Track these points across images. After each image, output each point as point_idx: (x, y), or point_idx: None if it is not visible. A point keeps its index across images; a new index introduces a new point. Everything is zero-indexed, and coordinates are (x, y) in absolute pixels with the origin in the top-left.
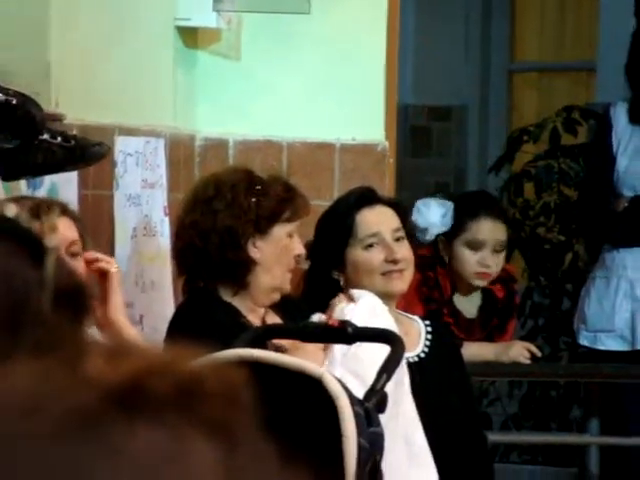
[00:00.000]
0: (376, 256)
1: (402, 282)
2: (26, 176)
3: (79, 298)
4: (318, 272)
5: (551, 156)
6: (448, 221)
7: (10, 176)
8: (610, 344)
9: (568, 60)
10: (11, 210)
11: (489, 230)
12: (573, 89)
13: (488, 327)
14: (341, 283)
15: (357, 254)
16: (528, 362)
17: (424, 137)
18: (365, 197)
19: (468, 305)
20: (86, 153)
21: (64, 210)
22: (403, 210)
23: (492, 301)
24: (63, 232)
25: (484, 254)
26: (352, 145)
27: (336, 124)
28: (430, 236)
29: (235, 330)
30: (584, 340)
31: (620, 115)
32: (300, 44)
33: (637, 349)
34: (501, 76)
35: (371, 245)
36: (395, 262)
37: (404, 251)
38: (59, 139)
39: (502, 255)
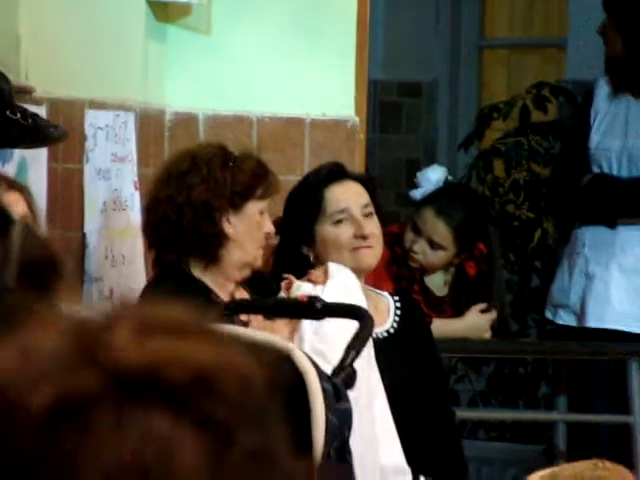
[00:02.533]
0: (345, 232)
1: (371, 258)
2: None
3: (49, 268)
4: (287, 247)
5: (521, 133)
6: (439, 185)
7: None
8: (566, 319)
9: (538, 37)
10: None
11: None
12: (543, 66)
13: (458, 304)
14: (311, 259)
15: (326, 230)
16: (489, 335)
17: (394, 113)
18: (334, 173)
19: (439, 282)
20: (41, 134)
21: (11, 184)
22: (372, 186)
23: (463, 278)
24: (12, 207)
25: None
26: (322, 120)
27: (306, 99)
28: (420, 195)
29: (203, 306)
30: (548, 314)
31: (600, 91)
32: (270, 19)
33: (584, 326)
34: (471, 52)
35: (340, 221)
36: (364, 237)
37: (373, 227)
38: (18, 115)
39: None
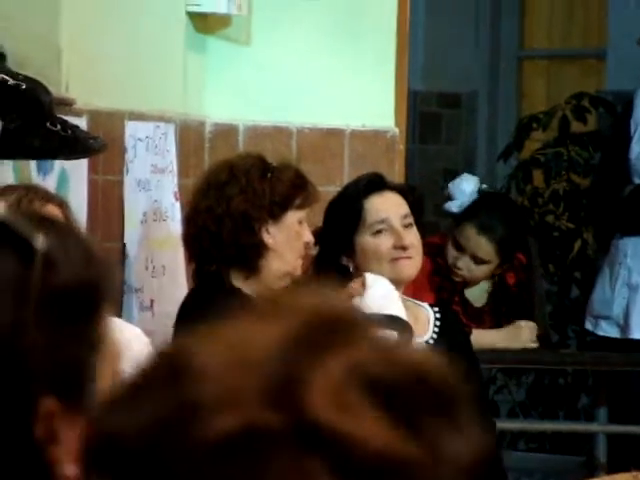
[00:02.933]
0: (384, 242)
1: (410, 268)
2: (19, 157)
3: (86, 295)
4: (327, 258)
5: (560, 144)
6: (474, 196)
7: (4, 154)
8: (608, 330)
9: (577, 47)
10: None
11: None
12: (583, 76)
13: (498, 315)
14: (350, 269)
15: (365, 240)
16: (536, 345)
17: (433, 124)
18: (374, 183)
19: (478, 293)
20: (80, 145)
21: (47, 198)
22: (412, 196)
23: (503, 288)
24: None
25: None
26: (362, 131)
27: (346, 110)
28: (457, 208)
29: None
30: (588, 325)
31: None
32: (310, 30)
33: (628, 337)
34: (511, 63)
35: (379, 231)
36: (404, 248)
37: (412, 237)
38: (58, 127)
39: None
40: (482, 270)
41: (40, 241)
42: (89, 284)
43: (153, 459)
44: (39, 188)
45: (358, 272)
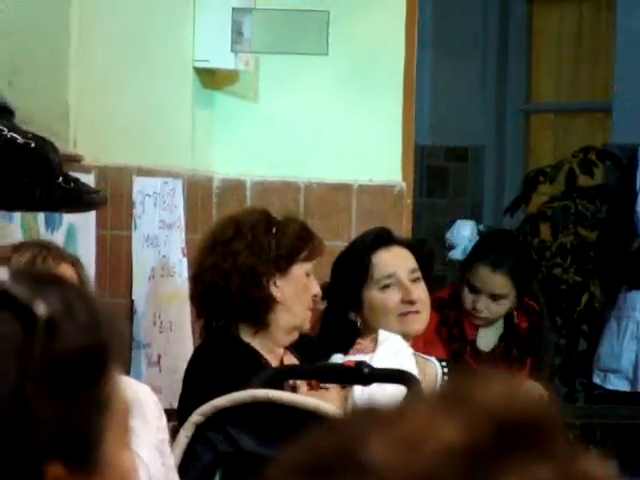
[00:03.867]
0: (392, 297)
1: (419, 323)
2: (20, 209)
3: (91, 359)
4: (335, 313)
5: (567, 197)
6: (474, 238)
7: (4, 206)
8: (617, 384)
9: (584, 101)
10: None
11: None
12: (589, 130)
13: (508, 358)
14: (358, 324)
15: (373, 295)
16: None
17: (441, 177)
18: (381, 238)
19: (490, 336)
20: (82, 198)
21: (61, 257)
22: (420, 251)
23: (513, 330)
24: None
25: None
26: (369, 186)
27: (353, 165)
28: (461, 254)
29: (254, 371)
30: (596, 379)
31: None
32: (317, 85)
33: (638, 390)
34: (517, 117)
35: (387, 286)
36: (412, 303)
37: (420, 292)
38: (60, 179)
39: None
40: (503, 306)
41: (41, 308)
42: (95, 347)
43: None
44: (52, 246)
45: (366, 327)
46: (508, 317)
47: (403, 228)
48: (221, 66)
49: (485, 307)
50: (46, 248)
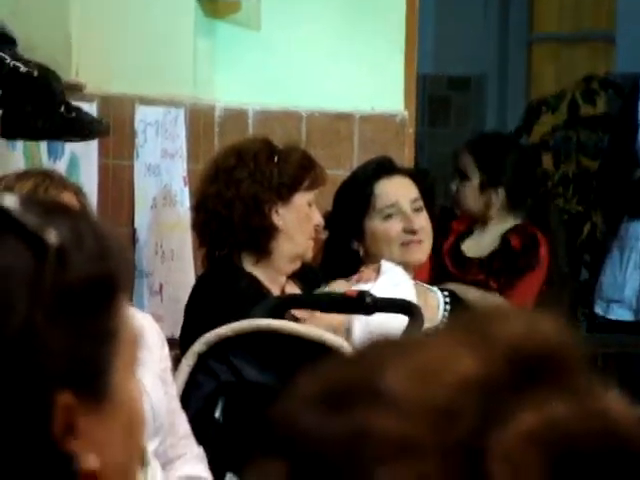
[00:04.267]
0: (394, 226)
1: (421, 252)
2: (23, 138)
3: (101, 288)
4: (337, 242)
5: (570, 126)
6: None
7: (6, 134)
8: (620, 314)
9: (587, 30)
10: (9, 200)
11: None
12: (592, 59)
13: (488, 271)
14: (360, 253)
15: (376, 224)
16: None
17: (442, 107)
18: (383, 167)
19: (482, 246)
20: (84, 127)
21: (64, 185)
22: (421, 180)
23: (507, 249)
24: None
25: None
26: (371, 115)
27: (355, 94)
28: None
29: (257, 300)
30: (599, 309)
31: None
32: (320, 15)
33: None
34: (520, 46)
35: (390, 215)
36: (414, 232)
37: (422, 221)
38: (62, 108)
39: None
40: (467, 188)
41: (52, 235)
42: (104, 276)
43: (330, 467)
44: (55, 175)
45: (368, 257)
46: (504, 240)
47: (405, 157)
48: None
49: (461, 194)
50: (49, 177)
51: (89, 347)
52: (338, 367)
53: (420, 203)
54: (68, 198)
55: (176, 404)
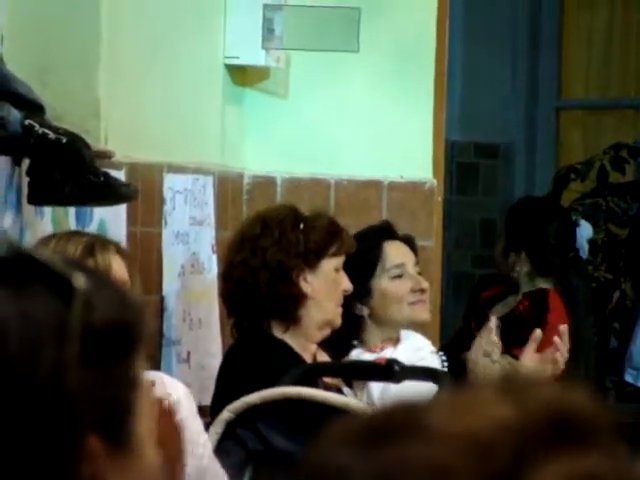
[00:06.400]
0: (404, 286)
1: (426, 312)
2: (50, 204)
3: (123, 334)
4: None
5: (599, 194)
6: None
7: (34, 200)
8: None
9: (615, 98)
10: (66, 248)
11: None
12: (620, 127)
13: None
14: (365, 315)
15: (385, 284)
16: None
17: (471, 174)
18: (386, 231)
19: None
20: (112, 192)
21: (118, 249)
22: (415, 247)
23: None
24: (117, 272)
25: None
26: (400, 183)
27: (384, 162)
28: None
29: (289, 368)
30: (628, 377)
31: None
32: (348, 82)
33: None
34: (548, 113)
35: (399, 275)
36: (422, 291)
37: (426, 282)
38: (91, 174)
39: None
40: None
41: (80, 281)
42: (125, 324)
43: None
44: (109, 238)
45: (374, 318)
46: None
47: (434, 225)
48: (252, 63)
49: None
50: (100, 239)
51: (114, 392)
52: (377, 412)
53: (418, 268)
54: (119, 263)
55: (209, 462)
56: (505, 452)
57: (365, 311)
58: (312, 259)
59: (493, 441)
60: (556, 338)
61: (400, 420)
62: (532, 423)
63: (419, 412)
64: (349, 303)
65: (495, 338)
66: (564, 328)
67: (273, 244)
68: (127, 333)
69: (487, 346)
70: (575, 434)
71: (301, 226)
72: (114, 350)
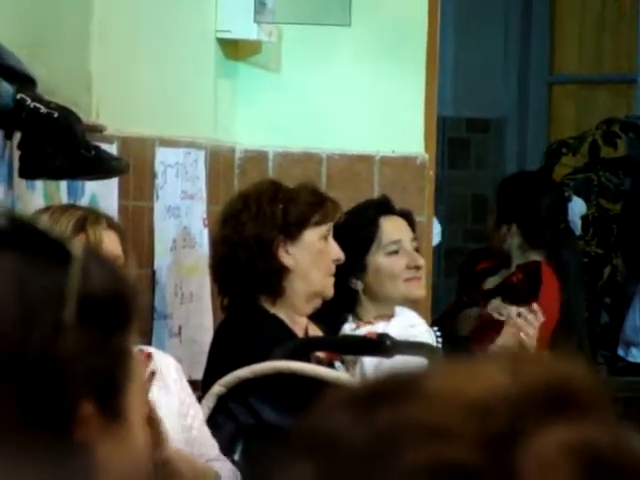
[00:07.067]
0: (399, 262)
1: (421, 288)
2: (41, 177)
3: (118, 305)
4: (337, 280)
5: (590, 169)
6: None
7: (25, 174)
8: (639, 357)
9: (608, 72)
10: (59, 221)
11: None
12: (613, 102)
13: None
14: (360, 290)
15: (380, 260)
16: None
17: (462, 149)
18: (384, 206)
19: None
20: (103, 166)
21: (110, 224)
22: (414, 222)
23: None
24: (108, 246)
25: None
26: (392, 157)
27: (376, 136)
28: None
29: (280, 342)
30: (620, 351)
31: None
32: (340, 56)
33: None
34: (540, 88)
35: (395, 251)
36: (417, 268)
37: (422, 259)
38: (82, 149)
39: None
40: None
41: (78, 249)
42: (121, 296)
43: (361, 467)
44: (102, 212)
45: (369, 293)
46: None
47: (425, 199)
48: (244, 37)
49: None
50: (95, 213)
51: (109, 362)
52: (370, 380)
53: (416, 243)
54: (112, 237)
55: (198, 433)
56: (502, 417)
57: (360, 286)
58: (293, 231)
59: (490, 406)
60: (518, 320)
61: (395, 385)
62: (529, 391)
63: (415, 378)
64: (344, 276)
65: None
66: (535, 306)
67: (250, 219)
68: (122, 304)
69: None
70: (572, 403)
71: (279, 197)
72: (110, 319)
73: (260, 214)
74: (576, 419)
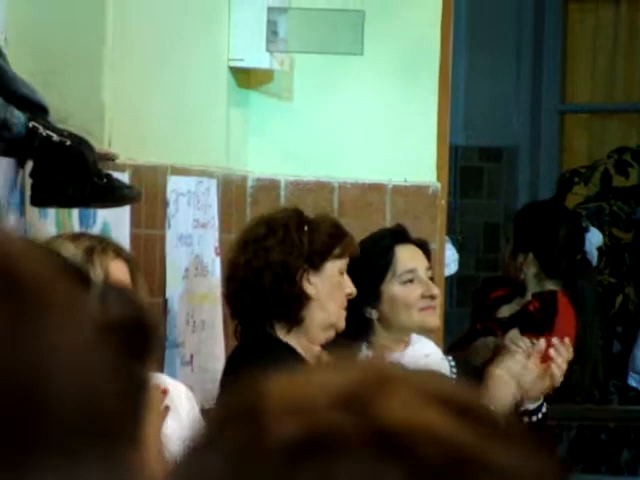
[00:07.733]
0: (414, 291)
1: (436, 318)
2: (53, 205)
3: (136, 332)
4: (350, 309)
5: (602, 198)
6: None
7: (37, 202)
8: None
9: (620, 102)
10: (68, 249)
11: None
12: (624, 131)
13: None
14: (375, 319)
15: (395, 289)
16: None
17: (475, 178)
18: (399, 235)
19: (515, 309)
20: (115, 194)
21: (118, 253)
22: (429, 251)
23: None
24: (116, 276)
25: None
26: (404, 186)
27: (388, 165)
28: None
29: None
30: (631, 381)
31: None
32: (352, 85)
33: None
34: (552, 117)
35: (410, 280)
36: (432, 297)
37: (436, 289)
38: (95, 177)
39: None
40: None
41: (96, 274)
42: (139, 325)
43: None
44: (111, 241)
45: (384, 323)
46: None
47: (437, 228)
48: (256, 65)
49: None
50: (104, 242)
51: (127, 387)
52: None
53: (431, 272)
54: (120, 266)
55: None
56: (342, 387)
57: (374, 314)
58: (316, 260)
59: (328, 385)
60: (552, 351)
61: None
62: (360, 378)
63: (252, 393)
64: (359, 305)
65: (524, 359)
66: (567, 340)
67: (277, 245)
68: (141, 334)
69: (516, 366)
70: (404, 379)
71: (305, 228)
72: (128, 346)
73: (287, 240)
74: (411, 382)
